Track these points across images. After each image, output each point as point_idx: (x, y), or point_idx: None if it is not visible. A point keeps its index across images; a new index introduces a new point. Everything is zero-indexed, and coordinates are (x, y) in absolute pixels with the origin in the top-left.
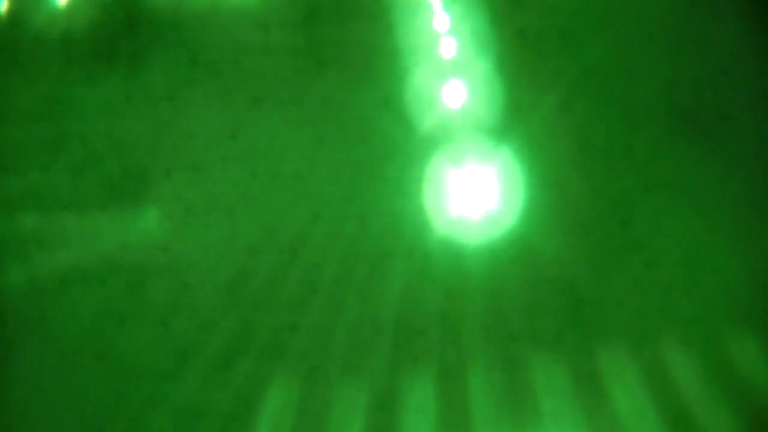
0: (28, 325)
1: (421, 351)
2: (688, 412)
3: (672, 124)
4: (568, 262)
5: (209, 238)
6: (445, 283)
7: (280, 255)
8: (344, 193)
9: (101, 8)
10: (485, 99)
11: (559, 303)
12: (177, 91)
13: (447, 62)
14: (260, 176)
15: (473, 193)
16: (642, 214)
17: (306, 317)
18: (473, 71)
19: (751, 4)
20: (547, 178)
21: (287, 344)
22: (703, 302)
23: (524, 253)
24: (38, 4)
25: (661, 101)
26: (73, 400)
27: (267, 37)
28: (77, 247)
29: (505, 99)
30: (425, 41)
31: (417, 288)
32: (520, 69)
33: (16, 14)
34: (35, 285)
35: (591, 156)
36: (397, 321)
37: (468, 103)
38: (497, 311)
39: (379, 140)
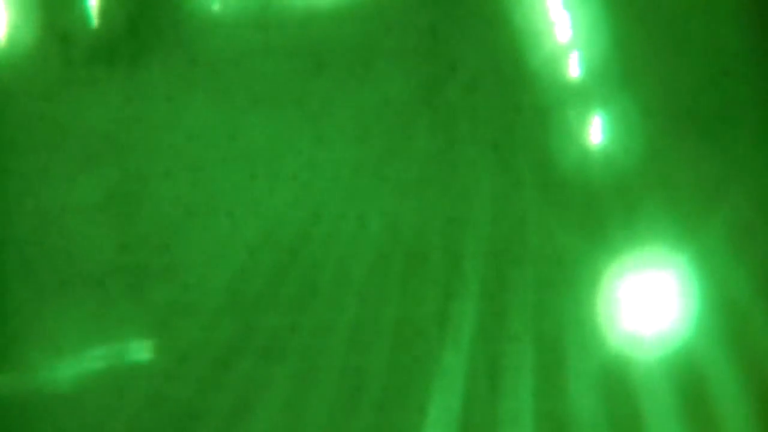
0: (28, 325)
1: (421, 351)
2: (688, 413)
3: (671, 125)
4: (568, 262)
5: (209, 238)
6: (444, 284)
7: (280, 255)
8: (343, 194)
9: (101, 8)
10: (483, 99)
11: (559, 304)
12: (176, 92)
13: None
14: (260, 177)
15: (472, 193)
16: (641, 214)
17: (306, 317)
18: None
19: (751, 4)
20: (546, 178)
21: (287, 344)
22: (703, 303)
23: (523, 253)
24: (38, 5)
25: (660, 101)
26: (73, 400)
27: (266, 38)
28: (77, 247)
29: (504, 99)
30: (424, 41)
31: (416, 288)
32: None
33: (15, 16)
34: (35, 285)
35: (589, 156)
36: (396, 321)
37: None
38: (497, 312)
39: (378, 140)
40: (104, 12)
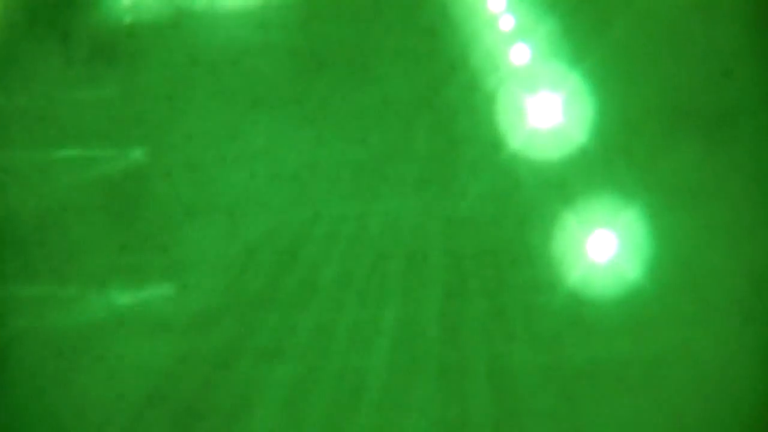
0: (28, 325)
1: (421, 351)
2: (687, 413)
3: (671, 125)
4: (568, 262)
5: (209, 238)
6: (444, 284)
7: (280, 255)
8: (344, 194)
9: (101, 8)
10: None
11: (559, 304)
12: (177, 92)
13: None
14: (260, 177)
15: (472, 193)
16: (641, 215)
17: (306, 317)
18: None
19: (751, 4)
20: (547, 179)
21: (287, 344)
22: (703, 302)
23: (524, 254)
24: (38, 3)
25: (660, 101)
26: (73, 400)
27: (267, 37)
28: (77, 248)
29: (503, 99)
30: (424, 41)
31: (416, 288)
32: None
33: (15, 14)
34: (35, 285)
35: (590, 157)
36: (396, 321)
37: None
38: (497, 312)
39: (379, 140)
40: (104, 12)
